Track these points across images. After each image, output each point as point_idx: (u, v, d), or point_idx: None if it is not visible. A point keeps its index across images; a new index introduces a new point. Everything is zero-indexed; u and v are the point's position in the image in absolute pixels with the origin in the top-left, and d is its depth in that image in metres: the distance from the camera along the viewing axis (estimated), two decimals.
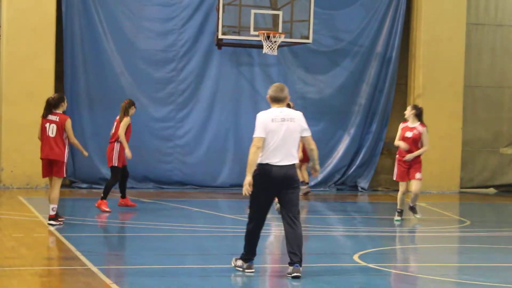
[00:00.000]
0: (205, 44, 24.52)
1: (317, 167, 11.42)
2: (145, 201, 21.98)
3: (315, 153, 11.19)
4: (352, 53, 25.68)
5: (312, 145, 11.02)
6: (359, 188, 26.69)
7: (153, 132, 24.15)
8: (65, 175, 16.03)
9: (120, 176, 19.49)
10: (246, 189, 10.62)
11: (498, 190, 27.28)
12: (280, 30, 23.27)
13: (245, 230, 11.40)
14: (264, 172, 10.67)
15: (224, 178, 24.77)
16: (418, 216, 17.73)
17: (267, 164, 10.64)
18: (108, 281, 11.06)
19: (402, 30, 26.17)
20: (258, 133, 10.63)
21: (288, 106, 12.76)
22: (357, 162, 26.13)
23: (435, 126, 24.45)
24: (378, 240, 16.92)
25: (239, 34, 23.60)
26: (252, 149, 10.64)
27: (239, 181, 23.85)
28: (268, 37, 22.80)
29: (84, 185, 24.15)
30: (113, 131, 19.04)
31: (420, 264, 14.84)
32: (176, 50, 24.51)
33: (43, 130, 15.63)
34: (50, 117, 15.77)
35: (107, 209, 18.92)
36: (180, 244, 16.04)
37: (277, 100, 10.80)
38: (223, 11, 23.16)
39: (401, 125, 16.95)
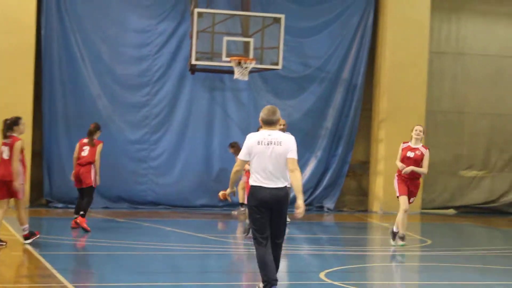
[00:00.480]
0: (179, 69, 24.68)
1: (300, 202, 10.41)
2: (120, 220, 22.04)
3: (294, 179, 10.48)
4: (320, 79, 25.77)
5: (293, 168, 10.36)
6: (325, 209, 26.59)
7: (128, 154, 24.22)
8: (21, 198, 15.57)
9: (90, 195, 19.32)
10: (222, 193, 11.05)
11: (457, 211, 27.51)
12: (251, 56, 23.39)
13: (257, 258, 10.65)
14: (254, 193, 10.40)
15: (196, 199, 24.73)
16: (401, 243, 16.77)
17: (256, 185, 10.37)
18: None
19: (367, 57, 26.37)
20: (241, 155, 10.48)
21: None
22: (324, 183, 26.14)
23: (398, 149, 24.62)
24: (344, 259, 16.89)
25: (211, 60, 23.72)
26: (234, 169, 10.60)
27: (210, 201, 24.52)
28: (239, 63, 22.94)
29: (60, 205, 23.87)
30: (86, 153, 18.78)
31: (384, 282, 14.85)
32: (151, 75, 24.56)
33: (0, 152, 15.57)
34: (5, 139, 15.65)
35: (87, 227, 18.95)
36: (153, 263, 15.95)
37: (268, 123, 10.42)
38: (197, 38, 23.32)
39: (402, 145, 16.39)
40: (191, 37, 23.55)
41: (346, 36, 26.14)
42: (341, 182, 26.30)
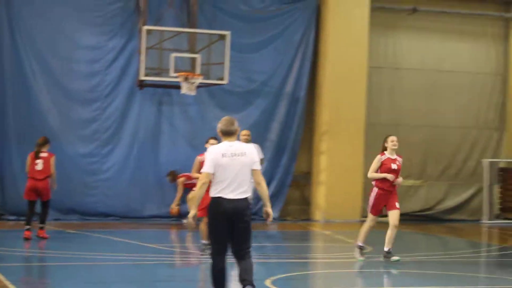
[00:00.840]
0: (128, 85, 24.74)
1: (269, 209, 10.57)
2: (71, 231, 21.88)
3: (262, 190, 10.40)
4: (264, 93, 26.00)
5: (259, 180, 10.30)
6: None
7: (80, 167, 24.20)
8: None
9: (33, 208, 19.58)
10: (189, 222, 10.35)
11: None
12: (197, 72, 23.50)
13: (211, 269, 10.52)
14: (215, 205, 10.15)
15: (145, 210, 24.83)
16: (396, 258, 15.87)
17: (219, 197, 10.11)
18: None
19: (310, 71, 26.63)
20: (206, 168, 10.20)
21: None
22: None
23: (339, 160, 25.63)
24: (288, 266, 17.05)
25: (159, 75, 23.89)
26: (199, 184, 10.26)
27: (158, 212, 24.71)
28: (187, 78, 23.09)
29: (12, 217, 23.77)
30: (40, 167, 18.91)
31: None
32: (101, 90, 24.64)
33: None
34: None
35: (47, 236, 19.29)
36: (104, 273, 15.90)
37: (227, 133, 10.32)
38: (145, 54, 23.43)
39: (380, 157, 15.33)
40: (140, 54, 23.64)
41: (289, 52, 26.36)
42: (285, 192, 26.51)
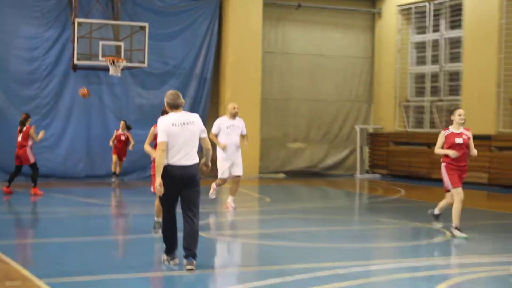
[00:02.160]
0: (63, 68, 25.66)
1: (209, 163, 10.60)
2: (18, 190, 21.82)
3: (210, 153, 10.55)
4: (177, 74, 27.14)
5: (208, 146, 10.42)
6: None
7: None
8: None
9: (16, 170, 20.98)
10: (158, 190, 9.97)
11: (286, 174, 29.02)
12: (122, 56, 24.42)
13: (161, 229, 10.69)
14: (166, 171, 10.02)
15: (79, 171, 25.85)
16: (439, 225, 14.81)
17: (169, 164, 10.04)
18: None
19: (215, 56, 27.83)
20: (161, 138, 10.05)
21: None
22: None
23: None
24: (207, 215, 16.64)
25: (90, 60, 24.54)
26: (158, 153, 10.11)
27: (91, 172, 25.53)
28: (113, 62, 23.97)
29: None
30: (20, 139, 20.51)
31: (239, 231, 15.68)
32: (40, 73, 25.56)
33: None
34: None
35: (41, 192, 20.51)
36: (45, 223, 16.71)
37: (174, 106, 10.21)
38: (77, 42, 24.17)
39: (443, 133, 13.75)
40: (73, 42, 24.40)
41: (197, 40, 27.47)
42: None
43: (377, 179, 28.70)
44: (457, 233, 13.54)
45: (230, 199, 17.38)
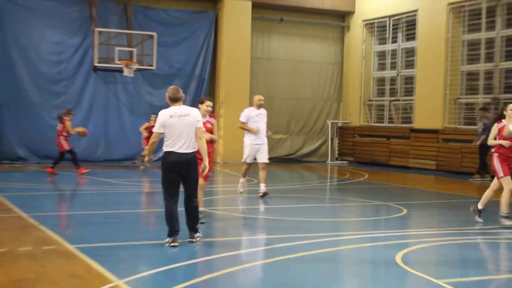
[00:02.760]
0: (85, 70, 25.35)
1: (206, 163, 10.11)
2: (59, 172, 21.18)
3: (201, 144, 9.99)
4: (180, 75, 26.79)
5: (200, 135, 9.94)
6: None
7: (53, 126, 23.29)
8: None
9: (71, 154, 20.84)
10: (146, 161, 11.28)
11: (270, 160, 28.11)
12: (134, 60, 24.50)
13: (164, 211, 10.09)
14: (168, 158, 9.82)
15: (100, 155, 25.63)
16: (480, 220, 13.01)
17: (171, 151, 9.80)
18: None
19: (211, 61, 27.45)
20: (156, 129, 9.92)
21: None
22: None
23: (231, 121, 25.82)
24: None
25: (107, 63, 24.40)
26: (150, 141, 10.03)
27: (109, 156, 25.31)
28: (127, 65, 23.98)
29: (7, 161, 24.12)
30: (58, 128, 20.85)
31: (229, 207, 15.70)
32: (66, 73, 25.29)
33: None
34: None
35: (86, 170, 20.69)
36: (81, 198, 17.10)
37: (175, 99, 9.97)
38: (97, 48, 24.23)
39: (497, 125, 12.69)
40: (93, 48, 24.41)
41: (197, 47, 27.22)
42: None
43: (345, 165, 28.55)
44: (506, 221, 12.52)
45: (262, 186, 16.14)
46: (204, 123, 10.90)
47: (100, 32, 24.74)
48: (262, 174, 16.21)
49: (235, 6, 27.54)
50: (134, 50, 25.06)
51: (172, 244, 9.87)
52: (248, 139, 16.20)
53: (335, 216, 14.62)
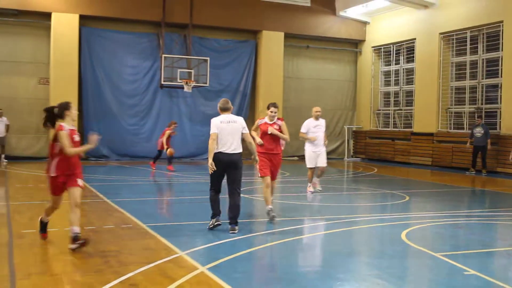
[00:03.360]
0: (154, 87, 25.37)
1: (257, 158, 9.89)
2: (126, 166, 22.08)
3: (251, 146, 9.69)
4: (227, 91, 26.46)
5: (250, 139, 9.67)
6: None
7: (129, 131, 25.02)
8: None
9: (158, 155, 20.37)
10: (210, 168, 9.27)
11: (298, 158, 27.00)
12: (192, 79, 24.43)
13: (209, 197, 9.72)
14: (217, 157, 9.36)
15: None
16: None
17: (219, 152, 9.38)
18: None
19: (252, 79, 27.22)
20: (212, 130, 9.42)
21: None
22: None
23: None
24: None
25: (171, 81, 24.30)
26: (210, 141, 9.37)
27: (180, 154, 24.36)
28: (187, 83, 24.04)
29: (93, 159, 24.18)
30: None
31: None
32: (139, 89, 25.34)
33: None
34: None
35: (173, 169, 19.91)
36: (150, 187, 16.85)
37: (224, 109, 9.69)
38: (164, 70, 24.26)
39: None
40: (161, 70, 24.51)
41: (241, 69, 27.03)
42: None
43: (358, 161, 28.22)
44: None
45: (316, 180, 15.04)
46: (271, 125, 10.93)
47: (165, 58, 24.78)
48: (319, 173, 15.22)
49: (271, 36, 27.37)
50: (192, 71, 24.98)
51: (216, 223, 9.55)
52: (308, 147, 14.90)
53: (351, 202, 14.46)
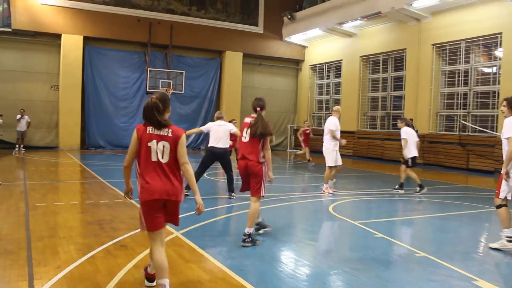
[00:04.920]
0: (141, 93, 24.80)
1: (270, 173, 6.53)
2: (110, 153, 21.21)
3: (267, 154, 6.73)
4: (198, 97, 26.22)
5: (238, 134, 9.23)
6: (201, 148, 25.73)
7: (120, 127, 24.39)
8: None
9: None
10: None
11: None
12: (171, 87, 24.23)
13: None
14: (209, 150, 9.79)
15: None
16: None
17: (211, 146, 9.77)
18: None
19: (218, 88, 26.93)
20: (203, 128, 9.99)
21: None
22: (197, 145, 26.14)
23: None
24: None
25: (155, 89, 23.77)
26: (196, 129, 9.96)
27: None
28: (167, 90, 23.67)
29: (92, 148, 23.56)
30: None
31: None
32: (130, 94, 24.78)
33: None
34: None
35: None
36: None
37: (218, 118, 10.03)
38: (148, 80, 24.03)
39: None
40: (146, 80, 24.27)
41: (209, 80, 26.64)
42: (207, 138, 26.75)
43: (297, 152, 27.75)
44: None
45: (330, 182, 12.00)
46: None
47: (150, 70, 24.48)
48: (335, 172, 12.44)
49: (232, 55, 27.05)
50: (171, 81, 24.69)
51: (186, 193, 9.18)
52: (334, 146, 11.59)
53: (291, 183, 14.04)
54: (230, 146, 11.27)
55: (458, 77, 20.53)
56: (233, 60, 27.16)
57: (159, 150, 4.22)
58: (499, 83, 18.41)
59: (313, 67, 29.54)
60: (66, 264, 5.33)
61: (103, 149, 24.23)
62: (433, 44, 21.11)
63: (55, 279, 4.88)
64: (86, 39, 23.86)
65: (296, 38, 28.52)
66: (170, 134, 4.27)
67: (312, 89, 29.63)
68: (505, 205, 6.66)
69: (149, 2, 25.14)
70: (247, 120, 6.57)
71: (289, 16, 27.38)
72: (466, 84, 20.15)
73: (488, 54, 19.49)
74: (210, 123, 10.03)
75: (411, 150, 11.88)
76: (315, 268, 5.65)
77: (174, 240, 6.65)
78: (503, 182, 6.56)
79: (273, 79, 29.56)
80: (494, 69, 19.17)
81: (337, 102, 27.68)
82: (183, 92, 25.04)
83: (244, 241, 6.33)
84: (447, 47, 20.82)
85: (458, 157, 19.45)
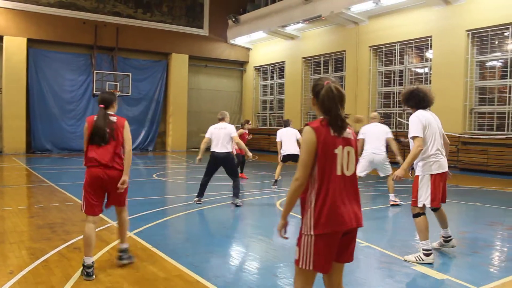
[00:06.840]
0: (88, 96, 24.25)
1: (249, 154, 9.60)
2: (55, 156, 20.94)
3: (240, 144, 9.43)
4: (145, 99, 25.86)
5: (237, 140, 9.31)
6: (149, 150, 26.26)
7: (66, 129, 23.79)
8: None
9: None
10: (199, 159, 9.28)
11: (192, 150, 28.93)
12: (118, 89, 23.88)
13: (200, 181, 9.49)
14: (211, 154, 9.38)
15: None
16: None
17: (213, 151, 9.38)
18: None
19: (165, 89, 26.60)
20: (207, 134, 9.55)
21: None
22: (147, 140, 26.03)
23: (177, 126, 25.69)
24: (164, 169, 16.40)
25: (101, 91, 23.26)
26: (203, 141, 9.39)
27: None
28: (113, 92, 24.11)
29: (38, 152, 22.96)
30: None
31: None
32: (76, 97, 24.13)
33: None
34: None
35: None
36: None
37: (219, 119, 9.66)
38: (95, 82, 23.67)
39: None
40: (93, 82, 23.82)
41: (156, 82, 26.25)
42: (155, 139, 26.27)
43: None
44: None
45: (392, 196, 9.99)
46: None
47: (97, 73, 24.04)
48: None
49: (178, 57, 26.74)
50: (118, 83, 24.36)
51: (197, 202, 9.42)
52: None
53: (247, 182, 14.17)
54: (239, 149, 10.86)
55: (394, 77, 21.24)
56: (179, 62, 26.87)
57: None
58: (430, 83, 19.20)
59: (257, 69, 29.72)
60: (19, 269, 5.19)
61: (50, 153, 23.54)
62: (370, 46, 21.76)
63: (8, 284, 4.73)
64: (30, 41, 23.04)
65: (241, 41, 28.58)
66: None
67: (257, 90, 29.80)
68: (424, 214, 5.68)
69: (95, 5, 24.69)
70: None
71: (233, 19, 27.45)
72: (401, 83, 20.84)
73: (420, 56, 20.29)
74: (210, 127, 9.61)
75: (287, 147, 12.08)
76: (266, 262, 5.75)
77: (128, 241, 6.58)
78: (420, 187, 5.66)
79: (219, 80, 29.44)
80: (426, 70, 19.99)
81: (281, 102, 28.05)
82: (130, 94, 24.72)
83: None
84: (383, 49, 21.51)
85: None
